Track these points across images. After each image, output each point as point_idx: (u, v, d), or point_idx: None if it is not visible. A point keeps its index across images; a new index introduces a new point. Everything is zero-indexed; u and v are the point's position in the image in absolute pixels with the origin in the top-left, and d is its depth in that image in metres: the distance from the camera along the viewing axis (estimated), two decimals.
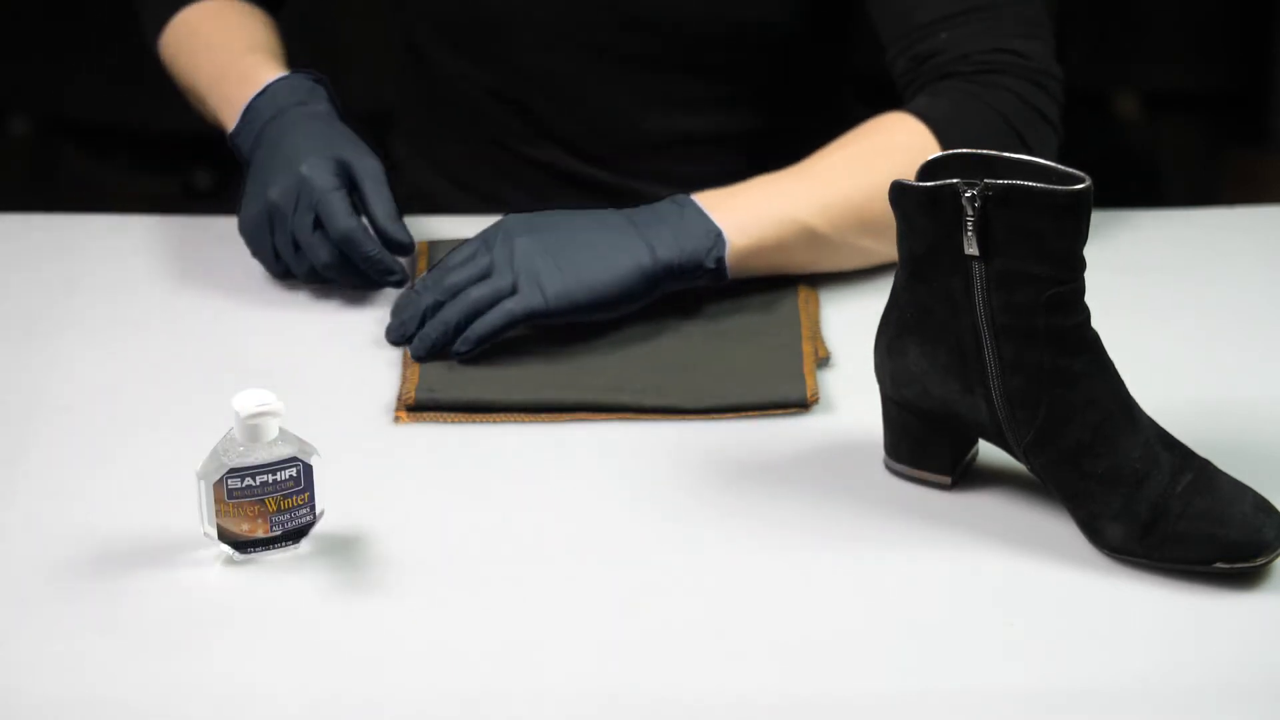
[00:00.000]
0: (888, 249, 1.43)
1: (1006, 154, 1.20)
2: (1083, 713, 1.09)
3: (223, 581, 1.19)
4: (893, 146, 1.49)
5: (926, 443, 1.27)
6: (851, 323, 1.46)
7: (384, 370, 1.42)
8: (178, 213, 1.65)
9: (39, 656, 1.12)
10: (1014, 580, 1.19)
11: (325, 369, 1.42)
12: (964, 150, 1.21)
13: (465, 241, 1.45)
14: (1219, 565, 1.17)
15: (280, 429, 1.19)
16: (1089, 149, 1.69)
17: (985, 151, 1.21)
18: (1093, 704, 1.09)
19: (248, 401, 1.18)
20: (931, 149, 1.48)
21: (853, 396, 1.36)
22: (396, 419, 1.36)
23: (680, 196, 1.46)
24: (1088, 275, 1.19)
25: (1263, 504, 1.18)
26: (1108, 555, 1.20)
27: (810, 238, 1.46)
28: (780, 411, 1.36)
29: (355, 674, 1.11)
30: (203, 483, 1.19)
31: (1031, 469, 1.23)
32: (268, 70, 1.57)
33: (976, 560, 1.21)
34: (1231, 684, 1.10)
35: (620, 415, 1.36)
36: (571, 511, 1.26)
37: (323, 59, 1.71)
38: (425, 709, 1.09)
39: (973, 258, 1.19)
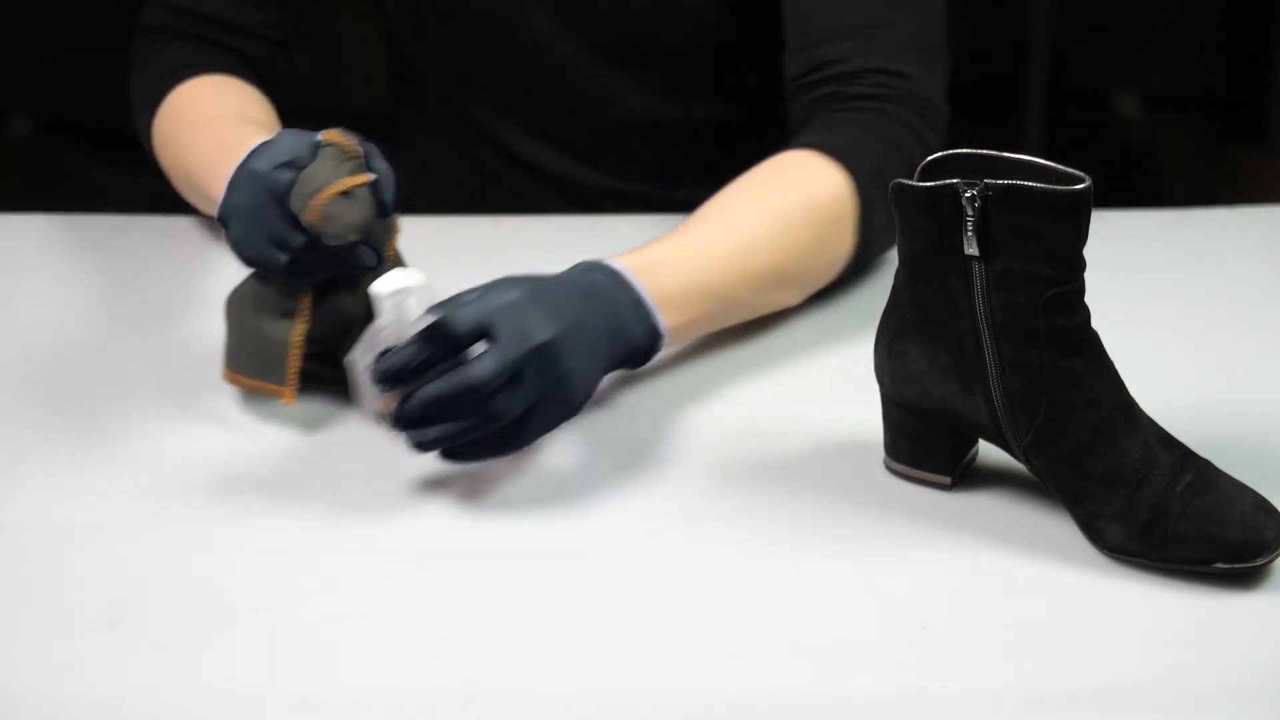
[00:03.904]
0: (797, 298, 1.47)
1: (1007, 154, 1.20)
2: (1083, 713, 1.09)
3: (223, 580, 1.19)
4: (812, 201, 1.45)
5: (926, 443, 1.27)
6: (851, 323, 1.46)
7: None
8: (178, 213, 1.65)
9: (39, 656, 1.12)
10: (1014, 580, 1.19)
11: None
12: (964, 150, 1.22)
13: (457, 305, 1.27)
14: (1219, 565, 1.17)
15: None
16: (1089, 149, 1.69)
17: (985, 151, 1.21)
18: (1093, 704, 1.09)
19: (390, 284, 1.26)
20: (848, 193, 1.45)
21: (853, 396, 1.36)
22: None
23: (616, 275, 1.34)
24: (1088, 275, 1.19)
25: (1263, 504, 1.18)
26: (1108, 555, 1.20)
27: (733, 307, 1.43)
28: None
29: (355, 674, 1.11)
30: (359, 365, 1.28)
31: (1031, 469, 1.23)
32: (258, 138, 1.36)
33: (976, 560, 1.21)
34: (1231, 684, 1.10)
35: None
36: (571, 511, 1.26)
37: (319, 60, 1.71)
38: (425, 709, 1.09)
39: (973, 258, 1.19)
